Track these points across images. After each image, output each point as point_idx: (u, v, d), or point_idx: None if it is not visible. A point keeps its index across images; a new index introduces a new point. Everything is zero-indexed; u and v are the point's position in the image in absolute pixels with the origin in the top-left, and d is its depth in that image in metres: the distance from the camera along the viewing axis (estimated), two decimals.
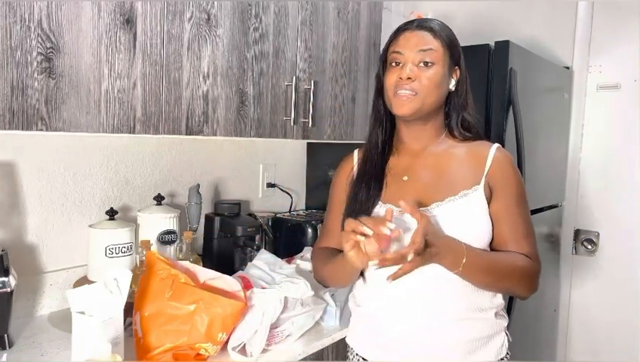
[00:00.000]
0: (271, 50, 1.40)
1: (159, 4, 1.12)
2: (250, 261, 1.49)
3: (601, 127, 2.28)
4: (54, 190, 1.36)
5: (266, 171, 1.98)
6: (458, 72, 1.10)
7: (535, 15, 2.33)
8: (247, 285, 1.25)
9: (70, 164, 1.39)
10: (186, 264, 1.20)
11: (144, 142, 1.57)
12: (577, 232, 2.36)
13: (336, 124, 1.65)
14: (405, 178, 1.11)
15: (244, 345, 1.12)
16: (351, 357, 1.18)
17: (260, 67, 1.38)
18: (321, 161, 2.13)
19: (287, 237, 1.86)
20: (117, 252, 1.33)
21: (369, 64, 1.76)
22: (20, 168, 1.29)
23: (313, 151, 2.17)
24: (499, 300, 1.09)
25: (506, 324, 1.11)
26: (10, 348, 1.11)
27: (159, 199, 1.49)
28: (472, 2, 2.42)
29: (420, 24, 1.07)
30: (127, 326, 1.11)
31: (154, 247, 1.41)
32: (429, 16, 1.14)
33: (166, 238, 1.46)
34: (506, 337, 1.11)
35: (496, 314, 1.08)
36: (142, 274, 1.15)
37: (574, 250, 2.37)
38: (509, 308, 1.70)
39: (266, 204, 2.01)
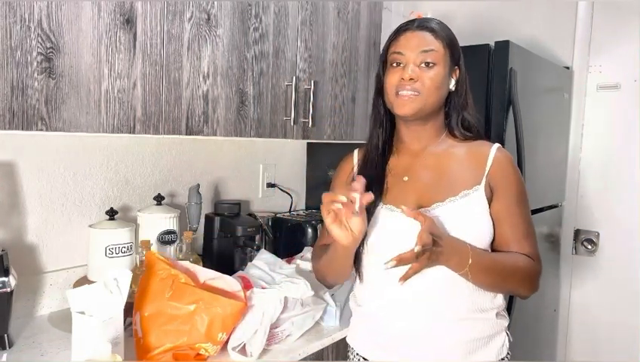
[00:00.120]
0: (271, 50, 1.40)
1: (159, 4, 1.12)
2: (250, 261, 1.49)
3: (601, 127, 2.28)
4: (54, 190, 1.36)
5: (266, 171, 1.98)
6: (458, 71, 1.10)
7: (535, 15, 2.33)
8: (247, 285, 1.25)
9: (70, 164, 1.39)
10: (186, 264, 1.20)
11: (144, 142, 1.57)
12: (577, 232, 2.36)
13: (336, 124, 1.65)
14: (406, 178, 1.11)
15: (244, 345, 1.12)
16: (351, 356, 1.18)
17: (260, 67, 1.38)
18: (321, 161, 2.13)
19: (287, 237, 1.86)
20: (117, 252, 1.33)
21: (369, 64, 1.76)
22: (20, 168, 1.29)
23: (313, 151, 2.17)
24: (499, 300, 1.09)
25: (506, 324, 1.11)
26: (10, 348, 1.11)
27: (159, 199, 1.49)
28: (472, 2, 2.42)
29: (420, 24, 1.07)
30: (127, 326, 1.11)
31: (154, 247, 1.41)
32: (429, 16, 1.13)
33: (166, 238, 1.46)
34: (506, 337, 1.11)
35: (497, 315, 1.08)
36: (142, 274, 1.15)
37: (574, 250, 2.37)
38: (509, 308, 1.70)
39: (266, 203, 2.01)
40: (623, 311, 2.23)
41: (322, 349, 1.27)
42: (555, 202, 2.25)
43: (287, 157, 2.10)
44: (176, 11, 1.16)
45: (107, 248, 1.32)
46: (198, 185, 1.61)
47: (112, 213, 1.37)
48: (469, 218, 1.04)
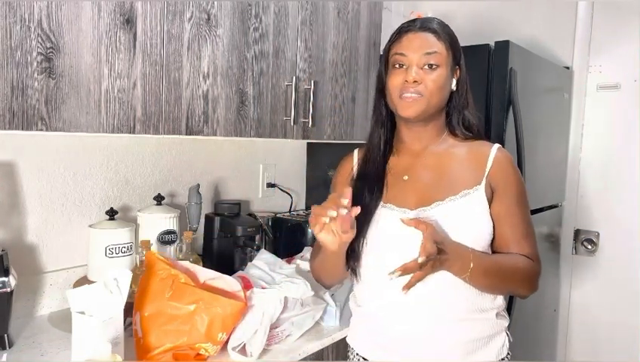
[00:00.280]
0: (271, 50, 1.40)
1: (159, 4, 1.12)
2: (250, 261, 1.49)
3: (601, 127, 2.28)
4: (54, 190, 1.36)
5: (266, 171, 1.98)
6: (459, 71, 1.10)
7: (535, 15, 2.33)
8: (247, 285, 1.25)
9: (70, 164, 1.39)
10: (186, 264, 1.20)
11: (144, 142, 1.57)
12: (577, 232, 2.36)
13: (336, 124, 1.65)
14: (406, 178, 1.11)
15: (244, 345, 1.12)
16: (351, 356, 1.18)
17: (260, 67, 1.37)
18: (321, 161, 2.13)
19: (287, 237, 1.86)
20: (117, 252, 1.33)
21: (369, 64, 1.76)
22: (20, 168, 1.29)
23: (313, 151, 2.17)
24: (499, 301, 1.09)
25: (506, 324, 1.11)
26: (10, 348, 1.11)
27: (159, 199, 1.49)
28: (472, 2, 2.42)
29: (423, 25, 1.06)
30: (127, 326, 1.11)
31: (154, 247, 1.41)
32: (430, 16, 1.13)
33: (166, 238, 1.46)
34: (506, 337, 1.11)
35: (497, 315, 1.08)
36: (142, 274, 1.15)
37: (574, 250, 2.37)
38: (509, 309, 1.70)
39: (266, 204, 2.01)
40: (623, 311, 2.23)
41: (322, 349, 1.27)
42: (555, 202, 2.25)
43: (287, 157, 2.10)
44: (176, 11, 1.16)
45: (107, 248, 1.32)
46: (198, 185, 1.60)
47: (112, 213, 1.37)
48: (469, 217, 1.04)
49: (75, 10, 0.98)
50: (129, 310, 1.10)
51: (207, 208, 1.70)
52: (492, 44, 1.71)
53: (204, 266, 1.25)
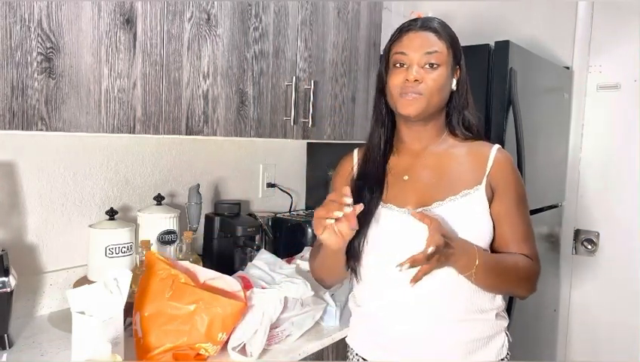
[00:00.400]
0: (271, 49, 1.40)
1: (159, 4, 1.12)
2: (250, 261, 1.49)
3: (601, 127, 2.28)
4: (54, 190, 1.36)
5: (266, 171, 1.98)
6: (459, 71, 1.10)
7: (535, 15, 2.33)
8: (247, 285, 1.25)
9: (70, 164, 1.39)
10: (186, 264, 1.20)
11: (144, 142, 1.57)
12: (577, 232, 2.36)
13: (336, 124, 1.65)
14: (406, 178, 1.11)
15: (244, 345, 1.12)
16: (351, 357, 1.18)
17: (260, 67, 1.37)
18: (321, 161, 2.13)
19: (287, 237, 1.86)
20: (117, 252, 1.33)
21: (369, 64, 1.76)
22: (20, 168, 1.29)
23: (313, 151, 2.17)
24: (499, 301, 1.09)
25: (506, 325, 1.11)
26: (10, 348, 1.11)
27: (159, 199, 1.49)
28: (472, 2, 2.42)
29: (423, 24, 1.06)
30: (127, 326, 1.11)
31: (154, 247, 1.41)
32: (430, 15, 1.13)
33: (166, 238, 1.46)
34: (506, 337, 1.11)
35: (496, 315, 1.08)
36: (142, 274, 1.15)
37: (574, 250, 2.37)
38: (509, 309, 1.70)
39: (266, 204, 2.01)
40: (623, 311, 2.23)
41: (322, 349, 1.27)
42: (555, 202, 2.25)
43: (287, 157, 2.10)
44: (176, 11, 1.16)
45: (107, 248, 1.32)
46: (198, 185, 1.60)
47: (112, 213, 1.37)
48: (469, 217, 1.04)
49: (75, 10, 0.98)
50: (129, 310, 1.10)
51: (207, 208, 1.70)
52: (492, 44, 1.71)
53: (204, 266, 1.25)
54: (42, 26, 0.94)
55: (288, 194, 2.06)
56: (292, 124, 1.47)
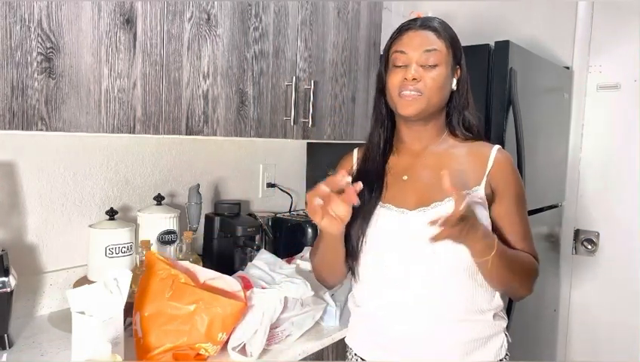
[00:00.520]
0: (271, 49, 1.40)
1: (159, 4, 1.12)
2: (250, 261, 1.49)
3: (601, 127, 2.28)
4: (54, 190, 1.36)
5: (266, 171, 1.98)
6: (459, 71, 1.10)
7: (535, 15, 2.33)
8: (247, 285, 1.25)
9: (70, 164, 1.39)
10: (186, 264, 1.20)
11: (144, 142, 1.57)
12: (577, 232, 2.36)
13: (336, 124, 1.65)
14: (405, 178, 1.11)
15: (244, 345, 1.12)
16: (350, 357, 1.18)
17: (260, 67, 1.38)
18: (321, 160, 2.13)
19: (287, 237, 1.86)
20: (117, 252, 1.33)
21: (369, 64, 1.76)
22: (20, 168, 1.29)
23: (313, 151, 2.17)
24: (498, 302, 1.09)
25: (505, 325, 1.11)
26: (10, 348, 1.11)
27: (159, 199, 1.49)
28: (472, 2, 2.42)
29: (423, 23, 1.06)
30: (127, 326, 1.11)
31: (154, 247, 1.41)
32: (430, 15, 1.13)
33: (166, 238, 1.46)
34: (505, 338, 1.11)
35: (494, 316, 1.08)
36: (142, 274, 1.15)
37: (574, 250, 2.37)
38: (508, 309, 1.70)
39: (266, 204, 2.01)
40: (623, 311, 2.23)
41: (322, 349, 1.27)
42: (555, 202, 2.25)
43: (287, 157, 2.10)
44: (176, 11, 1.16)
45: (107, 248, 1.32)
46: (198, 185, 1.61)
47: (112, 213, 1.37)
48: None
49: (75, 10, 0.98)
50: (129, 310, 1.10)
51: (207, 208, 1.70)
52: (492, 44, 1.71)
53: (204, 266, 1.24)
54: (42, 26, 0.94)
55: (288, 194, 2.06)
56: (292, 124, 1.47)
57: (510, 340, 1.12)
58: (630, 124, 2.20)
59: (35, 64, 0.94)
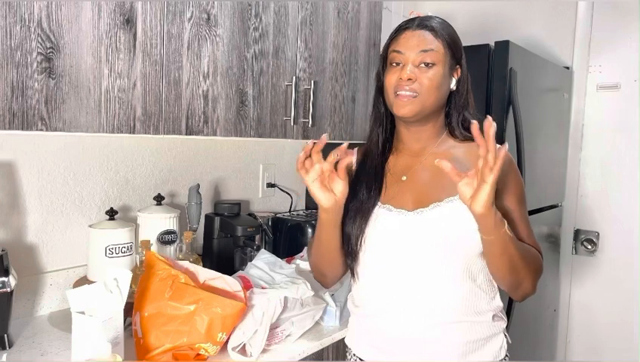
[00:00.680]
0: (271, 49, 1.40)
1: (159, 4, 1.12)
2: (250, 261, 1.49)
3: (601, 127, 2.28)
4: (54, 190, 1.36)
5: (266, 171, 1.99)
6: (459, 71, 1.09)
7: (535, 15, 2.33)
8: (247, 285, 1.25)
9: (70, 164, 1.39)
10: (186, 264, 1.20)
11: (144, 142, 1.57)
12: (577, 232, 2.36)
13: (336, 124, 1.65)
14: (404, 178, 1.10)
15: (244, 345, 1.12)
16: (349, 357, 1.18)
17: (260, 67, 1.38)
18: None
19: (287, 237, 1.86)
20: (117, 252, 1.33)
21: (369, 64, 1.76)
22: (20, 168, 1.29)
23: None
24: (497, 303, 1.09)
25: (504, 326, 1.11)
26: (10, 348, 1.11)
27: (159, 199, 1.49)
28: (472, 2, 2.42)
29: (421, 23, 1.06)
30: (127, 326, 1.11)
31: (154, 247, 1.41)
32: (430, 14, 1.13)
33: (166, 238, 1.46)
34: (504, 339, 1.11)
35: (494, 317, 1.07)
36: (142, 274, 1.15)
37: (574, 250, 2.37)
38: (508, 310, 1.70)
39: (266, 203, 2.01)
40: (623, 311, 2.24)
41: (322, 349, 1.27)
42: (555, 202, 2.25)
43: (287, 157, 2.09)
44: (176, 11, 1.16)
45: (107, 248, 1.32)
46: (198, 185, 1.61)
47: (112, 213, 1.37)
48: (468, 218, 1.03)
49: (75, 10, 0.98)
50: (129, 310, 1.10)
51: (207, 208, 1.70)
52: (492, 44, 1.71)
53: (204, 266, 1.25)
54: (42, 26, 0.94)
55: (288, 194, 2.06)
56: (292, 123, 1.47)
57: (510, 341, 1.12)
58: (630, 124, 2.20)
59: (35, 64, 0.94)
